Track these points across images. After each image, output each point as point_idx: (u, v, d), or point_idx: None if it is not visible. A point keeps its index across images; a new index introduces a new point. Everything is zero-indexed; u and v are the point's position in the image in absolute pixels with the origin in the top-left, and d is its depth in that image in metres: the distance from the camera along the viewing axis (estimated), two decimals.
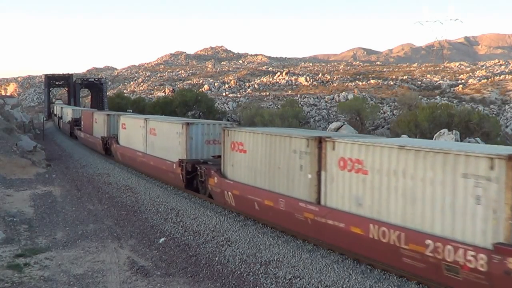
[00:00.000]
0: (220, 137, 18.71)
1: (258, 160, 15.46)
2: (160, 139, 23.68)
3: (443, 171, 9.89)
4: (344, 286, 10.95)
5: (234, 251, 13.85)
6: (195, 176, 20.05)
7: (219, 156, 18.60)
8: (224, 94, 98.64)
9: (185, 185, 20.58)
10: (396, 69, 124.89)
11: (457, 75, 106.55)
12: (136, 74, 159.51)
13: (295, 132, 15.54)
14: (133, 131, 27.74)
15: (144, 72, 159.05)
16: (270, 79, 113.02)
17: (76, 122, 47.85)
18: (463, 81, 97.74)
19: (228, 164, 17.28)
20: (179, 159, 20.57)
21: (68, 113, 55.25)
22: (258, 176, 15.54)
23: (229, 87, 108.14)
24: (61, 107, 66.55)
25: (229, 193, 16.86)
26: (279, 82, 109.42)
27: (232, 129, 17.50)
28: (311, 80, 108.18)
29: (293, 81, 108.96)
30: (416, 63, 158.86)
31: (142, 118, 26.91)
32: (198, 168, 19.49)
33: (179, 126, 21.07)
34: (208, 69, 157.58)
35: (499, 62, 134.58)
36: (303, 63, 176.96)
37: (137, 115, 33.82)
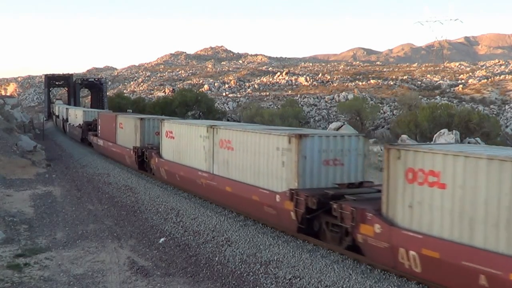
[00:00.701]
0: (354, 153, 14.44)
1: (495, 204, 9.27)
2: (241, 156, 16.79)
3: None
4: (344, 286, 10.95)
5: (234, 251, 13.84)
6: (319, 217, 13.60)
7: (350, 185, 13.83)
8: (224, 94, 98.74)
9: (301, 228, 13.91)
10: (396, 69, 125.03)
11: (457, 75, 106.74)
12: (136, 74, 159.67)
13: None
14: (188, 142, 21.00)
15: (144, 72, 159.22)
16: (270, 79, 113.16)
17: (89, 126, 41.12)
18: (463, 81, 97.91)
19: (400, 203, 11.08)
20: (291, 190, 13.91)
21: (78, 115, 47.93)
22: (484, 229, 9.43)
23: (229, 87, 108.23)
24: (67, 108, 59.12)
25: (411, 252, 10.59)
26: (279, 82, 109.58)
27: (409, 148, 11.16)
28: (311, 80, 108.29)
29: (293, 81, 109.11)
30: (416, 63, 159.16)
31: (204, 125, 19.85)
32: (335, 207, 12.53)
33: (284, 139, 14.58)
34: (208, 69, 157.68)
35: (499, 62, 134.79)
36: (303, 63, 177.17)
37: (194, 121, 25.96)
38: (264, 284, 11.62)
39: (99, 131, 36.86)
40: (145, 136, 26.98)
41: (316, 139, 14.35)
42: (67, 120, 55.07)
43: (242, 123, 30.07)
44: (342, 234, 12.77)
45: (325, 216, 13.23)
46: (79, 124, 45.46)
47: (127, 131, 29.49)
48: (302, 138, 14.06)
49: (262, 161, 15.63)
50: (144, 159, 26.16)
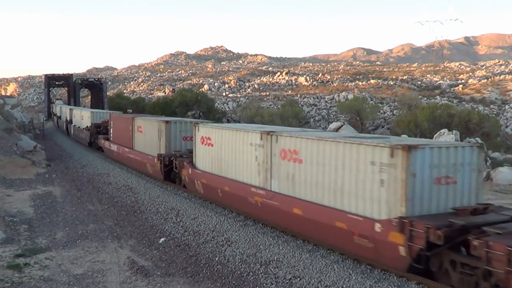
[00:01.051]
0: (468, 168, 11.60)
1: None
2: (314, 170, 13.46)
3: None
4: (344, 286, 10.95)
5: (234, 251, 13.85)
6: (439, 254, 10.54)
7: (483, 211, 10.91)
8: (224, 94, 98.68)
9: (414, 267, 10.77)
10: (396, 69, 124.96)
11: (457, 75, 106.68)
12: (136, 74, 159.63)
13: None
14: (233, 151, 17.53)
15: (144, 72, 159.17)
16: (270, 79, 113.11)
17: (97, 129, 38.24)
18: (463, 81, 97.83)
19: None
20: (401, 218, 10.76)
21: (84, 116, 44.31)
22: None
23: (229, 87, 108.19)
24: (71, 109, 55.25)
25: None
26: (279, 82, 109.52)
27: None
28: (311, 80, 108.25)
29: (293, 81, 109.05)
30: (416, 63, 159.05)
31: (257, 131, 16.24)
32: (476, 244, 9.66)
33: (384, 152, 11.33)
34: (208, 69, 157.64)
35: (499, 62, 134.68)
36: (303, 63, 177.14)
37: (240, 125, 21.88)
38: (264, 284, 11.63)
39: (111, 135, 33.36)
40: (171, 142, 23.54)
41: (427, 151, 11.14)
42: (71, 121, 51.89)
43: (305, 128, 25.83)
44: (479, 278, 9.82)
45: (450, 253, 10.35)
46: (87, 127, 42.01)
47: (147, 135, 26.14)
48: (411, 151, 10.82)
49: (347, 178, 12.34)
50: (173, 169, 22.45)
